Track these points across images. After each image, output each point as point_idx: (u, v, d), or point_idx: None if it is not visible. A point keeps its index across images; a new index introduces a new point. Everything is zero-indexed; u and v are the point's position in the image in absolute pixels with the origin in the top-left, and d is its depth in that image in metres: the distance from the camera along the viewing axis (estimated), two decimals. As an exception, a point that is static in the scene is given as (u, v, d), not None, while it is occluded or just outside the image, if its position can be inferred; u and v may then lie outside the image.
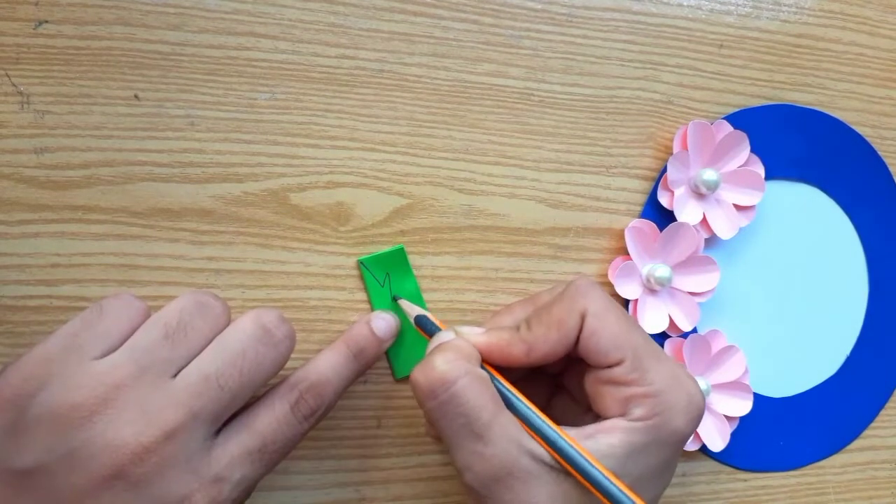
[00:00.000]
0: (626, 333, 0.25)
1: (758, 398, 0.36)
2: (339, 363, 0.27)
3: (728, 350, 0.35)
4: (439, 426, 0.24)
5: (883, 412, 0.39)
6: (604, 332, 0.25)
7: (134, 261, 0.29)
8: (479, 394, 0.24)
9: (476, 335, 0.26)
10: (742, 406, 0.35)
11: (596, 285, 0.26)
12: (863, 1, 0.37)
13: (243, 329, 0.24)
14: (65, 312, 0.29)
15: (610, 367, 0.25)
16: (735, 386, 0.35)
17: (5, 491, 0.21)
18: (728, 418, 0.35)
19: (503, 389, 0.25)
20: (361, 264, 0.31)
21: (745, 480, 0.36)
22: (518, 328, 0.26)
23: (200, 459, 0.22)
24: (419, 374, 0.24)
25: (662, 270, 0.33)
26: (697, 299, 0.34)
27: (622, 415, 0.25)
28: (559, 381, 0.30)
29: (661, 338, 0.35)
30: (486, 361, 0.26)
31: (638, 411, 0.25)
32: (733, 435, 0.35)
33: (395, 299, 0.31)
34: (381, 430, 0.32)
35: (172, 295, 0.29)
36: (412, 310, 0.30)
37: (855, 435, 0.38)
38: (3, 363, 0.28)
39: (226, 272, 0.30)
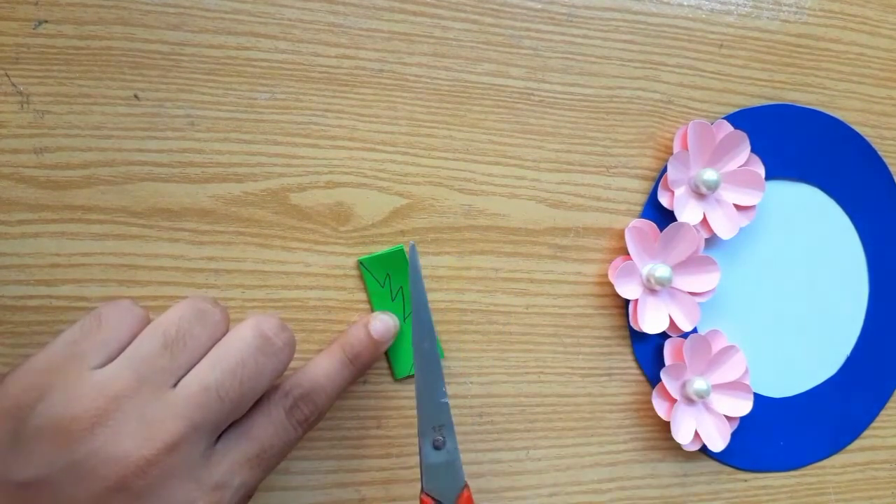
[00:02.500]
0: None
1: (758, 398, 0.36)
2: (333, 369, 0.27)
3: (728, 350, 0.35)
4: None
5: (883, 412, 0.39)
6: None
7: (134, 261, 0.29)
8: None
9: None
10: (742, 406, 0.35)
11: None
12: (863, 1, 0.37)
13: (243, 338, 0.24)
14: (65, 312, 0.29)
15: None
16: (735, 386, 0.35)
17: (6, 503, 0.21)
18: (728, 418, 0.35)
19: None
20: (361, 264, 0.31)
21: (746, 480, 0.36)
22: None
23: (202, 468, 0.22)
24: None
25: (662, 270, 0.33)
26: (697, 299, 0.34)
27: None
28: None
29: (661, 338, 0.35)
30: None
31: None
32: (733, 435, 0.35)
33: None
34: (381, 430, 0.32)
35: (172, 295, 0.30)
36: None
37: (855, 435, 0.38)
38: (3, 363, 0.28)
39: (225, 272, 0.30)
